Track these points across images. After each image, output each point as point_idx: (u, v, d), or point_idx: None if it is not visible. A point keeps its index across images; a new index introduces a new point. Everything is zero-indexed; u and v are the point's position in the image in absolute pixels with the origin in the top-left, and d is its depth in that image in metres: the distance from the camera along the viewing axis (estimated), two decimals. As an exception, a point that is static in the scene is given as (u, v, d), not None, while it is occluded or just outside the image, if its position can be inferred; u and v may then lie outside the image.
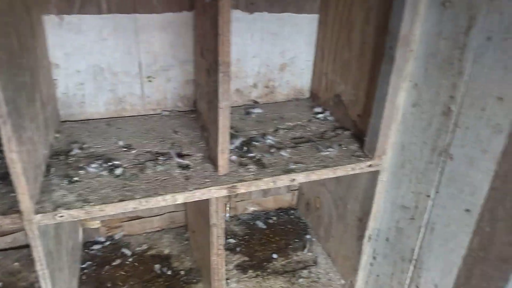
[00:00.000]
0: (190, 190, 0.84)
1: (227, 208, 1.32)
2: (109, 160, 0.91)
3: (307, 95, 1.23)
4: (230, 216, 1.33)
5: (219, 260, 0.97)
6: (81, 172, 0.87)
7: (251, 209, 1.34)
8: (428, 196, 0.82)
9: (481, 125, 0.68)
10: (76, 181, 0.84)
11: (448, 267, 0.78)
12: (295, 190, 1.36)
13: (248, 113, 1.13)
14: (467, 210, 0.73)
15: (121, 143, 0.98)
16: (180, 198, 0.84)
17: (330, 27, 1.08)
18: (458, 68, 0.72)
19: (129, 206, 0.81)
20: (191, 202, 1.17)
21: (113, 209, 0.80)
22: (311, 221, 1.28)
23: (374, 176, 0.95)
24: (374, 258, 1.02)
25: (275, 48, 1.14)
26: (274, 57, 1.15)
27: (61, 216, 0.76)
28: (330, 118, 1.10)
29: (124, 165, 0.90)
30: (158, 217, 1.27)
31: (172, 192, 0.83)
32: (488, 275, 0.70)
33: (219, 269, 0.98)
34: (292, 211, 1.36)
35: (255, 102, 1.19)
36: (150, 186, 0.84)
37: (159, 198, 0.82)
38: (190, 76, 1.11)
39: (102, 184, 0.84)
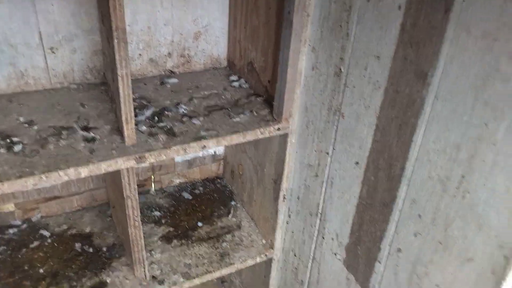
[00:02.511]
0: (95, 163, 0.82)
1: (152, 182, 1.31)
2: (8, 137, 0.86)
3: (224, 64, 1.23)
4: (155, 190, 1.32)
5: (137, 231, 0.96)
6: (-24, 151, 0.81)
7: (177, 181, 1.35)
8: (327, 153, 0.87)
9: (364, 83, 0.73)
10: (-30, 161, 0.78)
11: (345, 217, 0.85)
12: (221, 159, 1.38)
13: (163, 84, 1.11)
14: (357, 163, 0.79)
15: (22, 119, 0.92)
16: (85, 171, 0.81)
17: (241, -7, 1.07)
18: (346, 30, 0.76)
19: (29, 182, 0.78)
20: (109, 178, 1.15)
21: (11, 187, 0.77)
22: (236, 188, 1.31)
23: (284, 139, 0.99)
24: (289, 216, 1.08)
25: (187, 15, 1.11)
26: (187, 24, 1.13)
27: None
28: (245, 85, 1.12)
29: (24, 142, 0.85)
30: (77, 196, 1.22)
31: (75, 165, 0.81)
32: (374, 220, 0.77)
33: (138, 240, 0.98)
34: (218, 180, 1.38)
35: (171, 72, 1.17)
36: (51, 161, 0.81)
37: (61, 172, 0.79)
38: (98, 47, 1.06)
39: (-2, 162, 0.79)
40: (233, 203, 1.29)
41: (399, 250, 0.74)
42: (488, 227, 0.58)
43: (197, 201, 1.30)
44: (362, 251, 0.83)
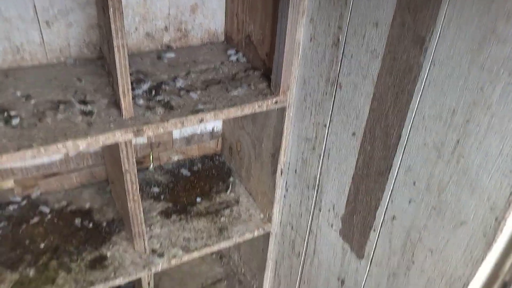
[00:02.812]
0: (93, 136, 0.82)
1: (150, 159, 1.31)
2: (5, 111, 0.86)
3: (222, 38, 1.22)
4: (154, 167, 1.33)
5: (136, 205, 0.98)
6: (-26, 125, 0.81)
7: (175, 158, 1.35)
8: (325, 125, 0.87)
9: (362, 52, 0.73)
10: (-32, 134, 0.79)
11: (341, 188, 0.86)
12: (219, 136, 1.39)
13: (160, 58, 1.10)
14: (353, 134, 0.79)
15: (19, 93, 0.92)
16: (83, 144, 0.82)
17: (237, -35, 1.05)
18: (344, -1, 0.75)
19: (27, 154, 0.78)
20: (108, 153, 1.16)
21: (10, 159, 0.77)
22: (234, 165, 1.32)
23: (281, 112, 0.99)
24: (286, 190, 1.09)
25: (183, -12, 1.10)
26: (184, -3, 1.11)
27: None
28: (242, 59, 1.11)
29: (22, 115, 0.86)
30: (76, 172, 1.23)
31: (73, 138, 0.81)
32: (370, 189, 0.78)
33: (137, 214, 0.99)
34: (217, 157, 1.39)
35: (168, 47, 1.16)
36: (50, 134, 0.81)
37: (59, 145, 0.80)
38: (93, 20, 1.04)
39: (-4, 135, 0.79)
40: (231, 179, 1.31)
41: (393, 217, 0.75)
42: (481, 190, 0.59)
43: (196, 178, 1.31)
44: (358, 221, 0.84)
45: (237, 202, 1.24)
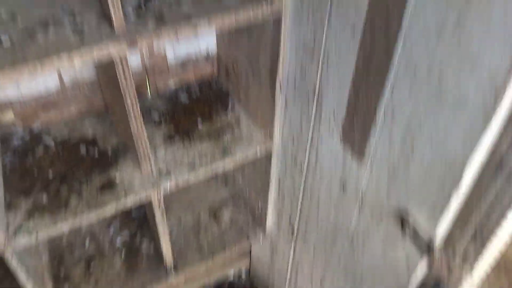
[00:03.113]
0: (87, 49, 0.81)
1: (147, 86, 1.30)
2: (-7, 32, 0.83)
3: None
4: (151, 95, 1.32)
5: (139, 125, 0.98)
6: (-37, 47, 0.79)
7: (172, 84, 1.34)
8: (323, 28, 0.85)
9: None
10: (-40, 56, 0.77)
11: (341, 92, 0.87)
12: (214, 59, 1.36)
13: (146, -26, 1.04)
14: (353, 32, 0.77)
15: (3, 14, 0.89)
16: (77, 58, 0.80)
17: None
18: None
19: (24, 71, 0.77)
20: (104, 77, 1.14)
21: (6, 78, 0.77)
22: (231, 86, 1.32)
23: (277, 20, 0.96)
24: (286, 105, 1.10)
25: None
26: None
27: None
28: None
29: (12, 35, 0.83)
30: (74, 103, 1.23)
31: (68, 53, 0.80)
32: (370, 86, 0.78)
33: (141, 134, 1.00)
34: (214, 82, 1.38)
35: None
36: (43, 52, 0.80)
37: (54, 60, 0.79)
38: None
39: (-11, 55, 0.78)
40: (230, 101, 1.31)
41: (393, 112, 0.76)
42: (481, 66, 0.59)
43: (194, 102, 1.31)
44: (358, 122, 0.85)
45: (238, 123, 1.25)
